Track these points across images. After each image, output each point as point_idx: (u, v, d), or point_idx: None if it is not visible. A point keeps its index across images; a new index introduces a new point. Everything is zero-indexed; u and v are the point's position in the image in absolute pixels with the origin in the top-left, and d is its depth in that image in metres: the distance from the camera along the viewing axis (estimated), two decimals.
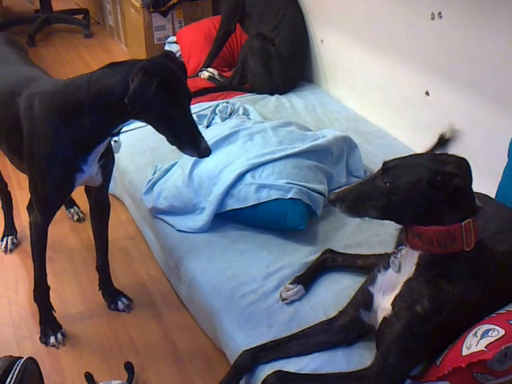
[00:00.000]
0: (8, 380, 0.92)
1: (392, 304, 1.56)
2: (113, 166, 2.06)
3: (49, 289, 2.15)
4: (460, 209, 1.47)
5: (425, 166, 1.47)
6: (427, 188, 1.45)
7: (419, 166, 1.49)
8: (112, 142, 1.95)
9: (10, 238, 2.65)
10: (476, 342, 1.42)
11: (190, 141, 1.78)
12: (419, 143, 2.64)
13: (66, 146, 1.83)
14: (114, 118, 1.81)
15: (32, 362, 0.98)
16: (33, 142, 1.86)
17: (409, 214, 1.51)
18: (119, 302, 2.27)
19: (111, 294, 2.30)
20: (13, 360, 0.96)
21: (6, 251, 2.62)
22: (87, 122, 1.79)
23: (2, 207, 2.66)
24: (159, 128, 1.79)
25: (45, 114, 1.84)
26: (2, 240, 2.65)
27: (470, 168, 1.52)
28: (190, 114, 1.78)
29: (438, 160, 1.50)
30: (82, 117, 1.79)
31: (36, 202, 1.98)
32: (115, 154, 2.05)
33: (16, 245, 2.65)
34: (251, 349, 1.72)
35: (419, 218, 1.49)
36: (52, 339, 2.12)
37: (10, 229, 2.67)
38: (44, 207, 1.98)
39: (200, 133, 1.80)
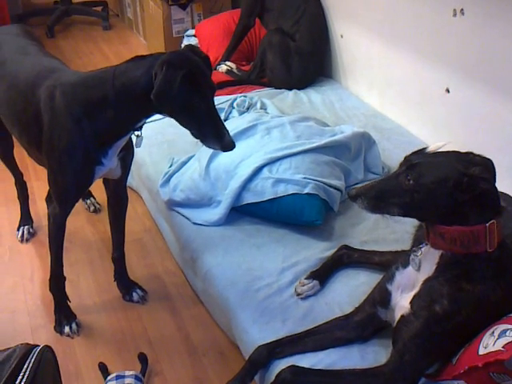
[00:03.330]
0: (25, 367, 0.92)
1: (411, 302, 1.55)
2: (132, 159, 2.07)
3: (64, 279, 2.16)
4: (485, 210, 1.45)
5: (451, 166, 1.46)
6: (453, 189, 1.43)
7: (445, 165, 1.47)
8: (133, 137, 1.94)
9: (26, 227, 2.66)
10: (493, 341, 1.41)
11: (213, 134, 1.76)
12: (438, 141, 2.61)
13: (87, 138, 1.83)
14: (138, 112, 1.80)
15: (48, 350, 0.98)
16: (53, 134, 1.86)
17: (432, 213, 1.49)
18: (134, 294, 2.28)
19: (126, 285, 2.30)
20: (29, 348, 0.96)
21: (22, 241, 2.63)
22: (110, 116, 1.78)
23: (19, 197, 2.68)
24: (183, 121, 1.78)
25: (67, 105, 1.83)
26: (18, 229, 2.67)
27: (494, 169, 1.51)
28: (214, 107, 1.77)
29: (464, 160, 1.48)
30: (106, 110, 1.78)
31: (55, 193, 1.98)
32: (135, 148, 2.05)
33: (32, 234, 2.66)
34: (267, 344, 1.72)
35: (443, 218, 1.47)
36: (66, 329, 2.13)
37: (26, 219, 2.69)
38: (63, 199, 1.98)
39: (224, 126, 1.78)
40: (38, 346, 0.97)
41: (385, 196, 1.52)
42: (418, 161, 1.51)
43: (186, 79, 1.67)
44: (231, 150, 1.79)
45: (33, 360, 0.93)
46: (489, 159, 1.52)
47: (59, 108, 1.85)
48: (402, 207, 1.51)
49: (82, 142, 1.84)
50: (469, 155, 1.51)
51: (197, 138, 1.80)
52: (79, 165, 1.88)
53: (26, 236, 2.64)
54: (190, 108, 1.73)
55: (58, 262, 2.11)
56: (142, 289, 2.30)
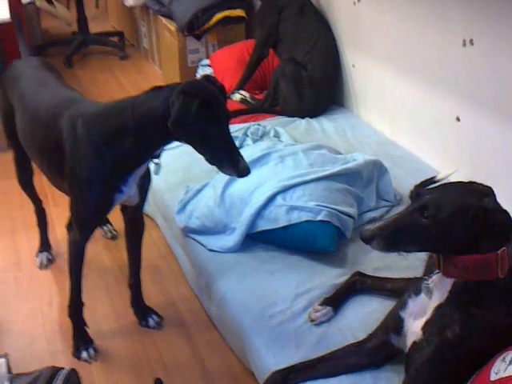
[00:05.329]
0: None
1: (422, 329, 1.56)
2: (149, 185, 2.12)
3: (83, 305, 2.20)
4: (497, 238, 1.47)
5: (464, 199, 1.47)
6: (470, 222, 1.45)
7: (458, 198, 1.48)
8: (152, 164, 1.99)
9: (45, 254, 2.71)
10: (505, 367, 1.42)
11: (229, 160, 1.80)
12: (449, 168, 2.64)
13: (107, 166, 1.89)
14: (157, 140, 1.85)
15: (74, 373, 1.02)
16: (75, 162, 1.92)
17: (448, 246, 1.50)
18: (150, 320, 2.31)
19: (142, 311, 2.34)
20: (55, 370, 1.00)
21: (41, 267, 2.68)
22: (130, 144, 1.84)
23: (38, 224, 2.73)
24: (199, 148, 1.82)
25: (88, 134, 1.89)
26: (37, 256, 2.72)
27: (495, 197, 1.53)
28: (229, 134, 1.81)
29: (472, 191, 1.51)
30: (126, 139, 1.84)
31: (75, 220, 2.03)
32: (153, 176, 2.10)
33: (51, 261, 2.71)
34: (281, 370, 1.74)
35: (457, 249, 1.49)
36: (84, 354, 2.17)
37: (45, 245, 2.74)
38: (83, 225, 2.03)
39: (239, 152, 1.81)
40: (64, 368, 1.01)
41: (401, 235, 1.51)
42: (431, 196, 1.51)
43: (201, 107, 1.72)
44: (246, 175, 1.83)
45: (59, 383, 0.96)
46: (490, 187, 1.54)
47: (80, 137, 1.90)
48: (419, 244, 1.51)
49: (102, 170, 1.89)
50: (473, 185, 1.54)
51: (212, 164, 1.84)
52: (99, 192, 1.93)
53: (44, 262, 2.69)
54: (206, 135, 1.77)
55: (78, 287, 2.16)
56: (157, 314, 2.33)
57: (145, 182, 2.07)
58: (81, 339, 2.19)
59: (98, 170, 1.90)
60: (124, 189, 1.95)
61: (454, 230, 1.47)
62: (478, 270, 1.48)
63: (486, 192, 1.52)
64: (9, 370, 1.42)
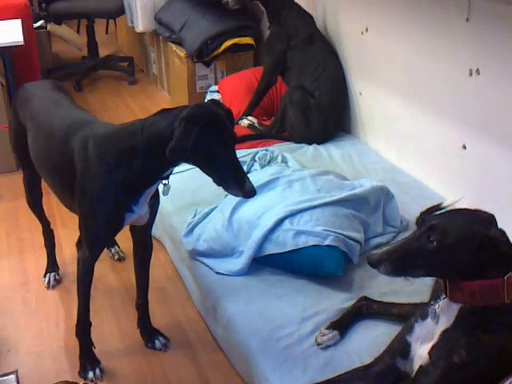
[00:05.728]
0: None
1: (429, 353, 1.57)
2: (158, 206, 2.15)
3: (90, 325, 2.21)
4: (503, 265, 1.49)
5: (471, 227, 1.50)
6: (476, 249, 1.47)
7: (466, 225, 1.51)
8: (161, 185, 2.02)
9: (52, 274, 2.73)
10: None
11: (235, 181, 1.82)
12: (455, 195, 2.67)
13: (118, 186, 1.92)
14: (165, 162, 1.88)
15: None
16: (86, 182, 1.95)
17: (455, 271, 1.53)
18: (156, 341, 2.32)
19: (149, 332, 2.34)
20: None
21: (48, 287, 2.70)
22: (140, 166, 1.87)
23: (45, 245, 2.75)
24: (205, 169, 1.85)
25: (99, 155, 1.93)
26: (44, 276, 2.73)
27: (497, 224, 1.56)
28: (235, 156, 1.84)
29: (478, 218, 1.54)
30: (135, 160, 1.87)
31: (85, 238, 2.06)
32: (161, 197, 2.13)
33: (58, 281, 2.72)
34: None
35: (464, 274, 1.51)
36: (90, 374, 2.17)
37: (53, 266, 2.76)
38: (93, 244, 2.05)
39: (245, 174, 1.85)
40: (77, 383, 1.02)
41: (408, 259, 1.53)
42: (438, 221, 1.54)
43: (204, 130, 1.75)
44: (252, 196, 1.86)
45: None
46: (492, 215, 1.57)
47: (92, 158, 1.94)
48: (426, 268, 1.54)
49: (112, 189, 1.93)
50: (478, 212, 1.57)
51: (219, 185, 1.86)
52: (110, 211, 1.96)
53: (52, 283, 2.71)
54: (211, 157, 1.80)
55: (86, 306, 2.17)
56: (164, 336, 2.34)
57: (154, 203, 2.10)
58: (87, 359, 2.20)
59: (109, 190, 1.93)
60: (135, 208, 1.98)
61: (460, 255, 1.49)
62: (484, 296, 1.50)
63: (489, 219, 1.55)
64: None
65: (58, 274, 2.75)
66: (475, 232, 1.49)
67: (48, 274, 2.73)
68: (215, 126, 1.79)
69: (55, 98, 2.37)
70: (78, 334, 2.21)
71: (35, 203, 2.65)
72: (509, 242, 1.50)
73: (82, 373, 2.17)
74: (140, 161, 1.87)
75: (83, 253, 2.08)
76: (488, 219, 1.55)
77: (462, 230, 1.50)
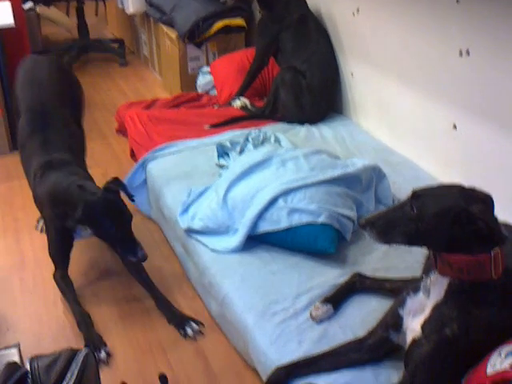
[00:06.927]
0: (71, 368, 1.00)
1: (422, 327, 1.62)
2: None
3: (89, 317, 2.32)
4: (486, 241, 1.52)
5: (454, 200, 1.54)
6: (452, 221, 1.52)
7: (447, 198, 1.56)
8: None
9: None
10: (500, 361, 1.47)
11: (130, 251, 2.29)
12: (446, 175, 2.72)
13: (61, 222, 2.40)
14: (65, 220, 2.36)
15: (91, 354, 1.07)
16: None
17: (436, 242, 1.57)
18: (187, 328, 2.32)
19: (180, 322, 2.36)
20: (74, 352, 1.05)
21: (42, 231, 2.93)
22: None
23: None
24: (107, 242, 2.41)
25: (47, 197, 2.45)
26: (38, 222, 2.99)
27: (493, 204, 1.60)
28: (129, 232, 2.29)
29: (466, 194, 1.57)
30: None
31: (52, 259, 2.53)
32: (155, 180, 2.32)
33: None
34: (284, 366, 1.79)
35: (447, 247, 1.55)
36: (100, 355, 2.21)
37: None
38: (55, 261, 2.52)
39: (138, 244, 2.29)
40: (82, 350, 1.06)
41: (392, 225, 1.60)
42: (423, 192, 1.60)
43: (101, 220, 2.25)
44: (144, 261, 2.32)
45: (79, 362, 1.01)
46: (489, 195, 1.60)
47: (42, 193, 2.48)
48: (407, 236, 1.59)
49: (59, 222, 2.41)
50: (470, 190, 1.60)
51: (118, 253, 2.40)
52: (60, 235, 2.46)
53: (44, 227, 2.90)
54: (109, 234, 2.29)
55: (76, 306, 2.36)
56: (196, 321, 2.35)
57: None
58: (93, 344, 2.24)
59: (56, 222, 2.43)
60: (78, 231, 2.44)
61: (437, 226, 1.54)
62: (471, 271, 1.54)
63: (483, 199, 1.58)
64: (21, 359, 1.48)
65: None
66: (453, 205, 1.53)
67: (41, 220, 2.90)
68: (110, 215, 2.24)
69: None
70: (81, 328, 2.29)
71: None
72: (489, 219, 1.51)
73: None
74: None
75: (56, 272, 2.50)
76: (479, 198, 1.57)
77: (442, 201, 1.55)
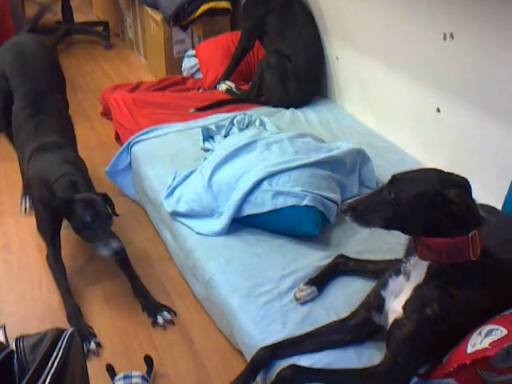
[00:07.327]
0: (57, 348, 1.01)
1: (403, 307, 1.64)
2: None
3: (79, 308, 2.32)
4: (463, 224, 1.54)
5: (430, 184, 1.56)
6: (427, 205, 1.54)
7: (424, 181, 1.58)
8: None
9: (28, 196, 3.00)
10: (480, 340, 1.50)
11: (104, 245, 2.27)
12: (430, 158, 2.75)
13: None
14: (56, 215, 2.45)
15: (76, 334, 1.08)
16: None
17: (413, 226, 1.60)
18: (159, 317, 2.32)
19: (152, 309, 2.36)
20: (60, 331, 1.06)
21: (26, 212, 2.98)
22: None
23: (22, 172, 2.95)
24: (82, 237, 2.38)
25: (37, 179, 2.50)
26: (21, 198, 3.04)
27: (470, 187, 1.62)
28: (103, 231, 2.28)
29: (443, 178, 1.59)
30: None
31: (41, 236, 2.55)
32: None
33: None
34: (268, 346, 1.81)
35: (425, 230, 1.57)
36: (89, 346, 2.21)
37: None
38: (45, 239, 2.52)
39: (114, 236, 2.28)
40: (68, 330, 1.07)
41: (371, 209, 1.63)
42: (401, 176, 1.62)
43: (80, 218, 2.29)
44: (120, 254, 2.30)
45: (65, 341, 1.02)
46: (464, 179, 1.63)
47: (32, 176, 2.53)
48: (385, 220, 1.62)
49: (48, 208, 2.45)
50: (447, 174, 1.62)
51: (92, 247, 2.35)
52: (47, 211, 2.45)
53: (29, 204, 2.99)
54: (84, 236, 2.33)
55: (68, 299, 2.34)
56: (168, 310, 2.35)
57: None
58: (83, 335, 2.24)
59: (43, 201, 2.46)
60: None
61: (413, 209, 1.56)
62: (449, 253, 1.56)
63: (459, 183, 1.60)
64: (6, 340, 1.48)
65: None
66: (428, 189, 1.55)
67: (24, 197, 3.00)
68: (87, 216, 2.28)
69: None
70: (70, 320, 2.29)
71: (11, 134, 2.82)
72: (465, 202, 1.53)
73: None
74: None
75: (47, 252, 2.50)
76: (456, 182, 1.59)
77: (419, 186, 1.57)
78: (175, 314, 2.35)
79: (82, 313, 2.31)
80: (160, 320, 2.31)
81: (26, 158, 2.57)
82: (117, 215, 2.45)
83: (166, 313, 2.33)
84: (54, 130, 2.64)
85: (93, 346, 2.20)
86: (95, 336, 2.24)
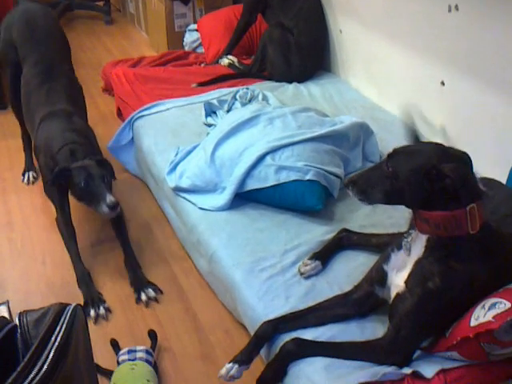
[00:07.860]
0: (60, 322, 1.01)
1: (405, 281, 1.64)
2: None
3: (89, 273, 2.35)
4: (460, 197, 1.53)
5: (427, 157, 1.55)
6: (423, 178, 1.53)
7: (422, 155, 1.57)
8: None
9: (30, 173, 3.08)
10: (484, 313, 1.50)
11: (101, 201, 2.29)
12: (434, 131, 2.72)
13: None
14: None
15: (80, 308, 1.08)
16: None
17: (411, 200, 1.59)
18: (142, 293, 2.32)
19: (138, 284, 2.36)
20: (63, 306, 1.06)
21: (28, 184, 3.04)
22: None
23: (24, 148, 3.06)
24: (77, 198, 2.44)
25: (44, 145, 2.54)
26: (23, 175, 3.08)
27: (471, 161, 1.61)
28: (101, 185, 2.31)
29: (441, 152, 1.58)
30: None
31: (49, 199, 2.60)
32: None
33: (36, 178, 3.07)
34: (271, 320, 1.81)
35: (423, 204, 1.57)
36: (92, 312, 2.23)
37: (30, 165, 3.07)
38: (53, 202, 2.57)
39: (109, 193, 2.30)
40: (71, 304, 1.07)
41: (371, 183, 1.63)
42: (400, 150, 1.62)
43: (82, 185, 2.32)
44: (114, 209, 2.29)
45: (68, 316, 1.02)
46: (465, 153, 1.62)
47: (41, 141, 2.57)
48: (384, 193, 1.61)
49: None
50: (447, 148, 1.60)
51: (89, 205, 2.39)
52: (54, 174, 2.39)
53: (31, 179, 3.03)
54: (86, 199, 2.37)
55: (76, 258, 2.38)
56: (154, 287, 2.35)
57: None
58: (92, 301, 2.27)
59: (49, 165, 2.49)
60: None
61: (410, 183, 1.56)
62: (447, 226, 1.55)
63: (459, 157, 1.59)
64: (10, 315, 1.49)
65: (36, 173, 3.03)
66: (424, 163, 1.54)
67: (27, 173, 3.04)
68: (83, 184, 2.31)
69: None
70: (80, 286, 2.32)
71: (18, 106, 2.84)
72: (460, 177, 1.51)
73: (85, 308, 2.23)
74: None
75: (57, 216, 2.54)
76: (456, 156, 1.58)
77: (416, 159, 1.56)
78: (161, 292, 2.35)
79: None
80: (143, 297, 2.31)
81: (36, 124, 2.59)
82: (115, 179, 2.47)
83: (150, 290, 2.33)
84: (65, 97, 2.68)
85: (102, 311, 2.23)
86: (104, 301, 2.27)
